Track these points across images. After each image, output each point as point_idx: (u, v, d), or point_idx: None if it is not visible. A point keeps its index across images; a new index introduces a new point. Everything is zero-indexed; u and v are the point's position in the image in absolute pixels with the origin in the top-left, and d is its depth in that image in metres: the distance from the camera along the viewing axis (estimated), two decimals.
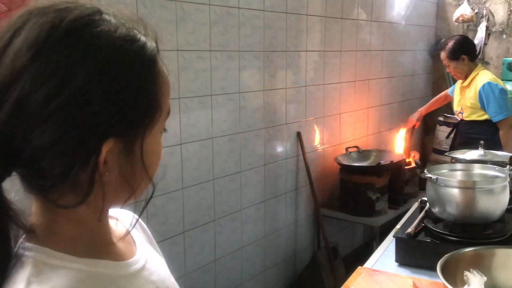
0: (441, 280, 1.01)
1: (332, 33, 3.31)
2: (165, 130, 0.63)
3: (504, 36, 4.39)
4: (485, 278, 1.03)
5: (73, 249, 0.58)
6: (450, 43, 3.25)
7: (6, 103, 0.51)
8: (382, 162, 3.16)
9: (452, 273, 1.08)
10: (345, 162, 3.28)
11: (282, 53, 2.89)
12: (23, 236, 0.58)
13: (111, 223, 0.66)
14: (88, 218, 0.60)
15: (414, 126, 3.74)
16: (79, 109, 0.51)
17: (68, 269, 0.56)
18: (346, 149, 3.43)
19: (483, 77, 3.15)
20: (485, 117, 3.14)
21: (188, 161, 2.36)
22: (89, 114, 0.52)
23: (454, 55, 3.22)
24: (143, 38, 0.56)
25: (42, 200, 0.57)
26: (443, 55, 3.29)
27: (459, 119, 3.40)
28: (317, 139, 3.29)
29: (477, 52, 3.45)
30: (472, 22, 4.43)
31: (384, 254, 1.70)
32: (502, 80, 3.68)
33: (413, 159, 3.45)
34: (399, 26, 4.13)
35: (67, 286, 0.54)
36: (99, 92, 0.52)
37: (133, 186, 0.60)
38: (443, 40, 4.48)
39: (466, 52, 3.22)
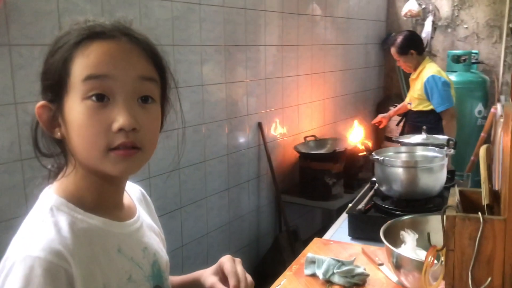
0: (383, 241, 1.19)
1: (289, 28, 3.48)
2: (101, 96, 0.71)
3: (449, 30, 4.69)
4: (416, 236, 1.22)
5: (82, 204, 0.76)
6: (399, 39, 3.49)
7: None
8: (337, 149, 3.37)
9: (392, 236, 1.25)
10: (304, 150, 3.46)
11: (242, 47, 3.03)
12: (49, 185, 0.78)
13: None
14: (89, 177, 0.76)
15: (380, 123, 3.96)
16: None
17: (73, 217, 0.74)
18: (304, 138, 3.62)
19: (428, 70, 3.40)
20: (430, 107, 3.39)
21: (154, 152, 2.46)
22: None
23: (403, 50, 3.46)
24: (74, 29, 0.75)
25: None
26: (393, 50, 3.53)
27: (408, 109, 3.65)
28: (277, 129, 3.46)
29: (425, 46, 3.68)
30: (419, 17, 4.71)
31: (339, 230, 1.87)
32: (447, 71, 3.97)
33: (365, 146, 3.67)
34: (352, 21, 4.35)
35: (69, 229, 0.71)
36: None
37: (75, 147, 0.74)
38: (393, 34, 4.74)
39: (414, 47, 3.46)
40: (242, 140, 3.13)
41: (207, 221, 2.91)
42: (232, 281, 0.85)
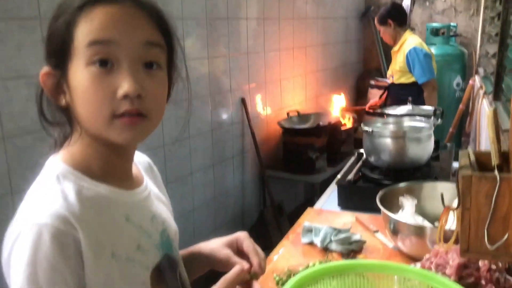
0: (380, 207, 1.20)
1: (270, 1, 3.43)
2: (106, 62, 0.69)
3: (427, 3, 4.71)
4: (415, 201, 1.23)
5: (89, 172, 0.74)
6: (381, 10, 3.53)
7: None
8: (321, 123, 3.38)
9: (388, 203, 1.27)
10: (287, 125, 3.46)
11: (224, 21, 2.98)
12: (55, 154, 0.76)
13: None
14: (95, 145, 0.75)
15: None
16: None
17: (80, 186, 0.72)
18: (287, 113, 3.62)
19: (410, 42, 3.43)
20: (412, 79, 3.43)
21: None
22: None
23: (382, 20, 3.51)
24: None
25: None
26: (375, 20, 3.58)
27: (390, 82, 3.67)
28: (260, 104, 3.44)
29: (405, 17, 3.69)
30: None
31: (328, 201, 1.88)
32: (426, 44, 3.99)
33: (350, 118, 3.69)
34: None
35: (76, 197, 0.70)
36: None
37: (80, 115, 0.71)
38: (372, 8, 4.74)
39: (392, 17, 3.49)
40: (225, 116, 3.10)
41: (193, 197, 2.89)
42: (255, 260, 0.84)
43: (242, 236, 0.91)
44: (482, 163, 0.73)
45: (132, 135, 0.72)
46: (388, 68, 3.81)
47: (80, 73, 0.69)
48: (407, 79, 3.46)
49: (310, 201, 3.71)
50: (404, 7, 4.62)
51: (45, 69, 0.72)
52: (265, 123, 3.51)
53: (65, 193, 0.69)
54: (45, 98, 0.74)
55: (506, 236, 0.64)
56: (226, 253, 0.88)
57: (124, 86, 0.68)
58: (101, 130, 0.71)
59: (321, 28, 4.20)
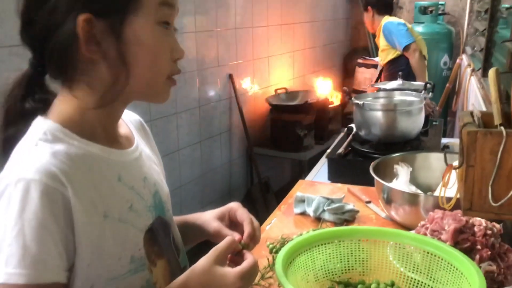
0: (373, 176, 1.19)
1: None
2: (168, 24, 0.71)
3: None
4: (410, 168, 1.23)
5: (79, 130, 0.70)
6: None
7: None
8: (309, 100, 3.36)
9: (381, 173, 1.26)
10: (275, 102, 3.44)
11: None
12: (41, 114, 0.70)
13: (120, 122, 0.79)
14: (92, 103, 0.70)
15: None
16: None
17: (70, 144, 0.68)
18: (275, 90, 3.59)
19: (383, 22, 3.43)
20: (397, 53, 3.42)
21: None
22: None
23: (364, 6, 3.53)
24: None
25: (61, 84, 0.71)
26: None
27: (381, 66, 3.67)
28: (248, 81, 3.40)
29: (387, 6, 3.63)
30: None
31: (317, 175, 1.88)
32: (414, 22, 3.99)
33: (343, 91, 3.67)
34: None
35: (65, 155, 0.66)
36: None
37: (119, 75, 0.68)
38: None
39: (371, 4, 3.48)
40: (213, 92, 3.06)
41: (180, 174, 2.86)
42: (248, 228, 0.83)
43: (235, 206, 0.91)
44: (484, 123, 0.72)
45: (169, 96, 0.76)
46: (375, 47, 3.80)
47: (149, 30, 0.69)
48: (392, 54, 3.47)
49: (298, 178, 3.70)
50: None
51: (87, 15, 0.64)
52: (252, 100, 3.48)
53: (54, 150, 0.66)
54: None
55: (510, 193, 0.63)
56: (215, 226, 0.87)
57: (179, 49, 0.74)
58: (155, 89, 0.73)
59: (309, 5, 4.15)
